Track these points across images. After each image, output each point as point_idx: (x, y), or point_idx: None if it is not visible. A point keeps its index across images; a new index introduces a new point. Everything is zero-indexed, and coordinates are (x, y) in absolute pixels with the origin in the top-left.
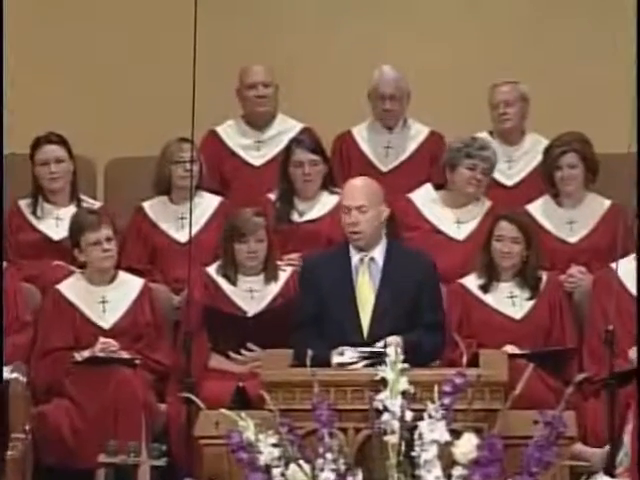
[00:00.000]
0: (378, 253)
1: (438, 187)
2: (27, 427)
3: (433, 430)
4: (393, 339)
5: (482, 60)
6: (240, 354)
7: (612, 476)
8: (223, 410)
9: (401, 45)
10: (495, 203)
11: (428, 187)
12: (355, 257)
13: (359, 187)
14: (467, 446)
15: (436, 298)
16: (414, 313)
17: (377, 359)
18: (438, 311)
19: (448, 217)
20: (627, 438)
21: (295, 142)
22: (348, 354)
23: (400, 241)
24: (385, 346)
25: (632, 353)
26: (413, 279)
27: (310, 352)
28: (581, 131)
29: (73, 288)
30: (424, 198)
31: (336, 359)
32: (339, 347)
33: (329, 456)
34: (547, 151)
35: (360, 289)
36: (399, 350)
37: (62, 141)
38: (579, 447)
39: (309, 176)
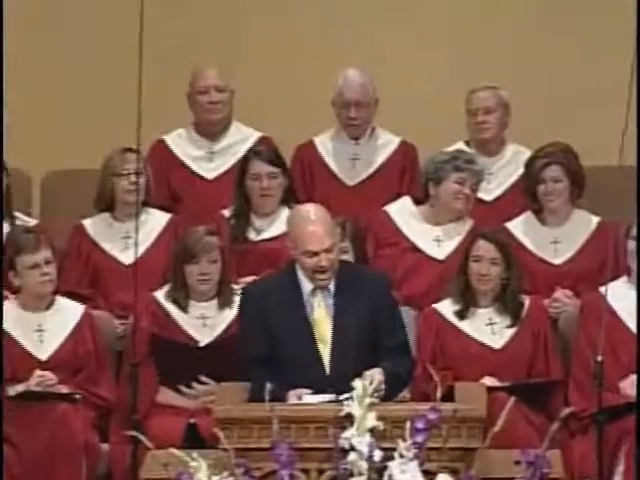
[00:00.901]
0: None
1: (417, 202)
2: None
3: (404, 471)
4: (370, 373)
5: (460, 64)
6: (191, 388)
7: None
8: (173, 450)
9: (368, 49)
10: (473, 220)
11: (406, 200)
12: (306, 285)
13: (320, 226)
14: None
15: (395, 319)
16: (375, 338)
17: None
18: (400, 331)
19: (427, 234)
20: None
21: (252, 153)
22: (307, 399)
23: (369, 260)
24: (352, 390)
25: (625, 385)
26: (367, 301)
27: (269, 385)
28: (566, 141)
29: (6, 315)
30: (401, 212)
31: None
32: (297, 389)
33: None
34: (529, 163)
35: (316, 321)
36: (379, 385)
37: None
38: None
39: (267, 190)
